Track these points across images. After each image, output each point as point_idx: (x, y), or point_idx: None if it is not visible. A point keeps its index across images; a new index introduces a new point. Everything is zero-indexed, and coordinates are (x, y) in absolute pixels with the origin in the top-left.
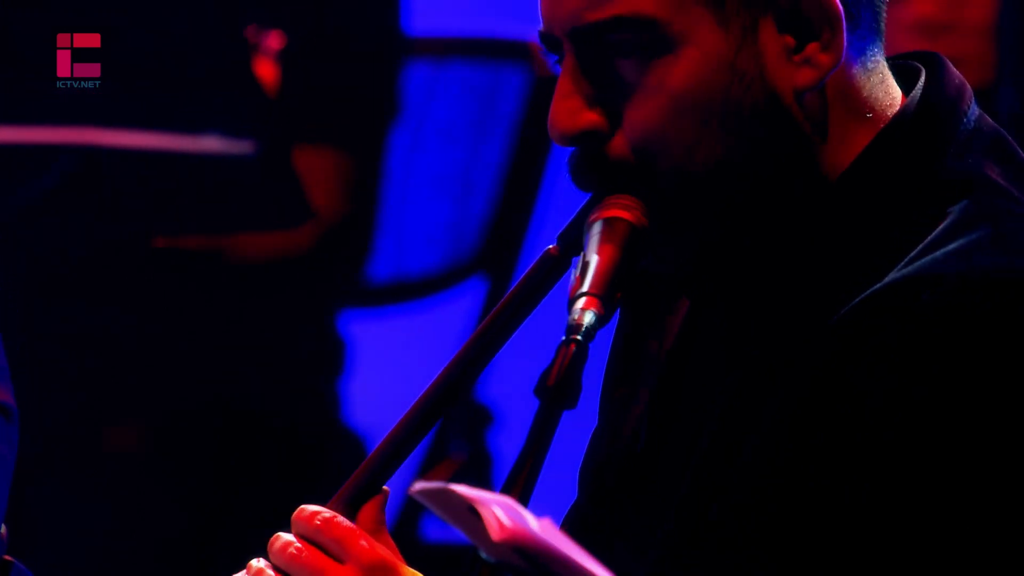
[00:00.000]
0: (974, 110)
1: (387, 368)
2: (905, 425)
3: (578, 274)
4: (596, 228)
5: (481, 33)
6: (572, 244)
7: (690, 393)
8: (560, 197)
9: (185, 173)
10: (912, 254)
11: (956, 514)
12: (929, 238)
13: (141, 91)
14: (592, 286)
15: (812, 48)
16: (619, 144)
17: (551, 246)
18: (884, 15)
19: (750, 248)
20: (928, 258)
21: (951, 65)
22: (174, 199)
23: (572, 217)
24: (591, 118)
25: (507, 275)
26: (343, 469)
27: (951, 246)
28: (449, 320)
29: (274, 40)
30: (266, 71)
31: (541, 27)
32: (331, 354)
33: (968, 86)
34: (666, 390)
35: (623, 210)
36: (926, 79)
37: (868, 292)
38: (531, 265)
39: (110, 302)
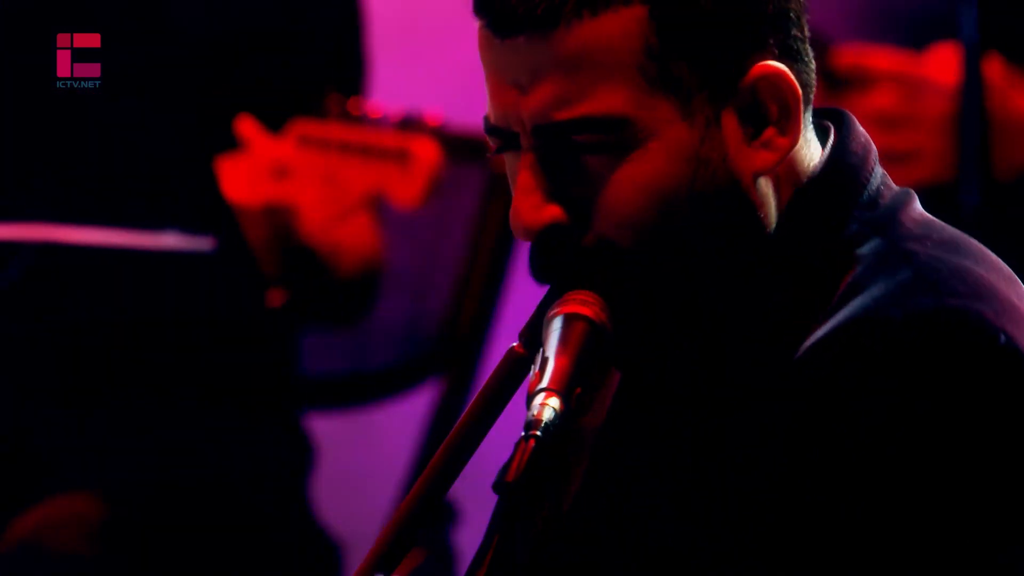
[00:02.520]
0: (878, 171)
1: (346, 465)
2: (839, 449)
3: (537, 370)
4: (555, 324)
5: (439, 129)
6: (534, 341)
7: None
8: (519, 293)
9: (144, 269)
10: (841, 292)
11: (957, 534)
12: (852, 276)
13: (99, 188)
14: (551, 382)
15: (770, 132)
16: (583, 235)
17: (514, 344)
18: (815, 82)
19: (705, 304)
20: (859, 300)
21: (857, 124)
22: (133, 295)
23: (532, 313)
24: (555, 211)
25: (467, 371)
26: (301, 567)
27: (878, 290)
28: (408, 417)
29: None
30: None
31: (492, 120)
32: (290, 451)
33: (873, 146)
34: (616, 452)
35: (582, 305)
36: (835, 139)
37: (816, 338)
38: (495, 365)
39: (67, 399)
